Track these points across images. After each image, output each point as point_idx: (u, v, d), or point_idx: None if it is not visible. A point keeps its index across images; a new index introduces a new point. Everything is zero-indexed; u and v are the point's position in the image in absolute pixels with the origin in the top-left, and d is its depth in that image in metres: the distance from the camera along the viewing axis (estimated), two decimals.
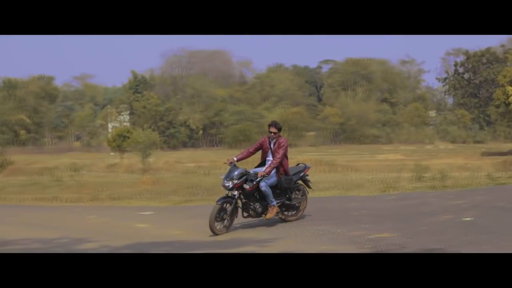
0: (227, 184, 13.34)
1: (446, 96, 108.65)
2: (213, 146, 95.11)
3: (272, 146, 13.65)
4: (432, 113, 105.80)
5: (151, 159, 43.11)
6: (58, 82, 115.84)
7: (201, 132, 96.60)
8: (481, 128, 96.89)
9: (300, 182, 14.60)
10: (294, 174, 14.25)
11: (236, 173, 13.35)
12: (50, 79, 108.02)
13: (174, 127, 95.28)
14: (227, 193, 13.44)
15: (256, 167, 13.93)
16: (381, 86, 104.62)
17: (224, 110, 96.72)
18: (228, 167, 13.76)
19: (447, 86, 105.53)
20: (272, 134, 13.65)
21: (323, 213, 15.72)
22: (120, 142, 51.84)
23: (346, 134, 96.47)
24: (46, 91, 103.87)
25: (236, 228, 14.03)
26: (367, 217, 14.63)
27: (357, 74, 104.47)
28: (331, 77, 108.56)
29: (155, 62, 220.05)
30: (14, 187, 29.02)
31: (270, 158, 13.68)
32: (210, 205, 20.52)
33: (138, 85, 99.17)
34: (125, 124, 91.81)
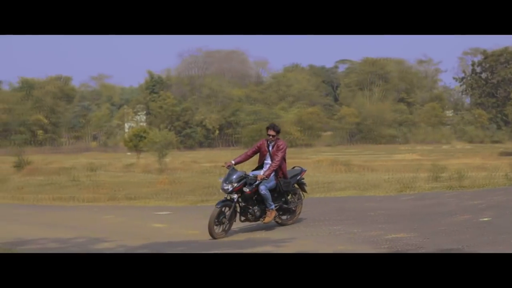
0: (226, 187, 12.98)
1: (463, 95, 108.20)
2: (230, 146, 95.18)
3: (270, 149, 13.28)
4: (449, 113, 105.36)
5: (167, 159, 43.20)
6: (75, 83, 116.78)
7: (217, 132, 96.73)
8: (499, 128, 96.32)
9: (295, 185, 14.19)
10: (291, 178, 13.91)
11: (235, 176, 13.00)
12: (68, 79, 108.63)
13: (190, 127, 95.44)
14: (226, 196, 13.11)
15: (253, 170, 13.62)
16: (398, 86, 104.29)
17: (240, 110, 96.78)
18: (227, 170, 13.40)
19: (464, 86, 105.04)
20: (271, 137, 13.22)
21: (340, 213, 15.68)
22: (136, 142, 51.99)
23: (363, 134, 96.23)
24: (64, 91, 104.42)
25: (251, 229, 14.02)
26: (384, 217, 14.58)
27: (374, 74, 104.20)
28: (348, 77, 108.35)
29: (171, 62, 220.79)
30: (32, 187, 29.17)
31: (268, 161, 13.31)
32: None
33: (155, 85, 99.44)
34: (141, 124, 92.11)
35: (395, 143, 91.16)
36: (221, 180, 13.24)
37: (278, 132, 13.28)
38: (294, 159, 42.14)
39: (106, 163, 44.58)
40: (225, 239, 13.04)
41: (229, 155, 57.26)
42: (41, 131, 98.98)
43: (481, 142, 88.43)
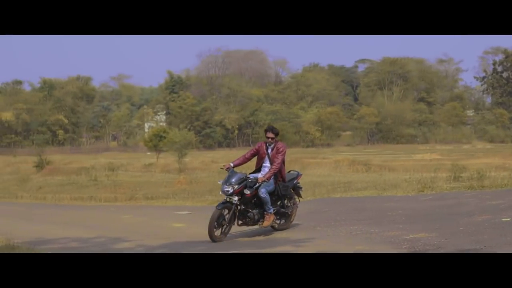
0: (226, 189, 12.50)
1: (484, 95, 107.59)
2: (249, 145, 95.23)
3: (269, 151, 12.85)
4: (470, 113, 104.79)
5: (187, 159, 43.31)
6: (95, 83, 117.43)
7: (236, 132, 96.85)
8: None
9: (291, 190, 13.70)
10: (288, 181, 13.48)
11: (235, 178, 12.58)
12: (88, 79, 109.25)
13: (209, 127, 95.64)
14: (225, 198, 12.65)
15: (251, 173, 13.07)
16: (418, 85, 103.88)
17: (259, 110, 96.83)
18: (226, 173, 12.97)
19: (485, 85, 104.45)
20: (270, 139, 12.77)
21: (358, 213, 15.64)
22: (156, 142, 52.15)
23: (382, 133, 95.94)
24: (84, 92, 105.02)
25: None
26: (403, 217, 14.52)
27: (393, 74, 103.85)
28: (367, 76, 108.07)
29: (191, 62, 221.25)
30: (52, 187, 29.37)
31: (267, 164, 12.91)
32: None
33: (174, 85, 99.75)
34: (161, 124, 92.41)
35: (415, 143, 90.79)
36: (221, 182, 12.77)
37: (277, 134, 12.85)
38: (313, 159, 42.07)
39: (125, 163, 44.79)
40: (245, 238, 13.04)
41: None
42: (61, 131, 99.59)
43: (502, 141, 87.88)
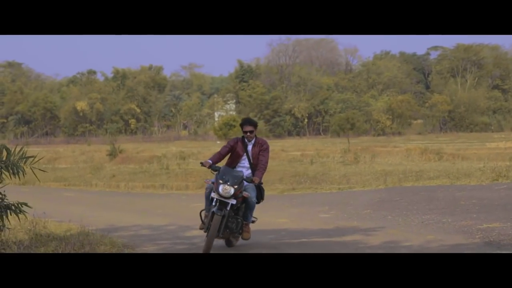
0: (227, 190, 9.84)
1: None
2: (318, 134, 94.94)
3: (249, 148, 10.45)
4: None
5: None
6: (166, 72, 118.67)
7: (306, 120, 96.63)
8: None
9: None
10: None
11: (234, 176, 10.01)
12: (159, 69, 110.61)
13: (279, 116, 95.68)
14: (215, 200, 9.98)
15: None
16: (493, 72, 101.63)
17: (329, 99, 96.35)
18: (205, 169, 10.81)
19: None
20: (248, 133, 10.39)
21: (430, 202, 15.42)
22: (226, 131, 52.50)
23: (455, 122, 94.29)
24: (155, 81, 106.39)
25: (340, 218, 13.92)
26: (477, 207, 14.24)
27: (467, 60, 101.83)
28: (440, 63, 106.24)
29: (261, 51, 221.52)
30: (124, 175, 29.85)
31: (244, 164, 10.45)
32: (316, 193, 20.54)
33: (244, 74, 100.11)
34: (231, 113, 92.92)
35: (489, 131, 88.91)
36: (210, 181, 10.35)
37: (256, 126, 10.52)
38: (384, 148, 41.65)
39: (196, 152, 45.19)
40: (314, 227, 12.99)
41: (317, 143, 57.14)
42: (133, 120, 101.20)
43: None
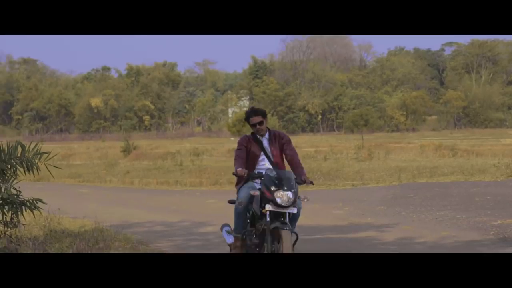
0: (287, 197, 7.52)
1: None
2: (332, 131, 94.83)
3: (267, 144, 8.13)
4: None
5: None
6: (180, 69, 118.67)
7: (320, 117, 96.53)
8: None
9: None
10: None
11: (290, 178, 7.71)
12: (173, 65, 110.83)
13: (293, 112, 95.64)
14: (268, 212, 7.59)
15: (241, 184, 8.12)
16: (508, 68, 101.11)
17: (343, 95, 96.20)
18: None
19: None
20: (257, 126, 8.04)
21: (444, 199, 15.37)
22: (240, 127, 52.51)
23: (469, 118, 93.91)
24: (169, 77, 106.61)
25: (354, 214, 13.90)
26: (491, 203, 14.19)
27: (482, 56, 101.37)
28: (454, 59, 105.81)
29: (275, 47, 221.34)
30: (138, 171, 29.92)
31: (264, 165, 8.06)
32: (329, 190, 20.51)
33: (258, 70, 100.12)
34: (245, 109, 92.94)
35: (504, 127, 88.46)
36: (256, 191, 7.77)
37: (265, 115, 8.18)
38: (398, 144, 41.53)
39: (209, 148, 45.24)
40: (328, 223, 12.98)
41: (331, 139, 57.02)
42: (147, 117, 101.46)
43: None
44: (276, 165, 8.03)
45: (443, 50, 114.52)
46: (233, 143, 54.24)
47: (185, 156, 37.04)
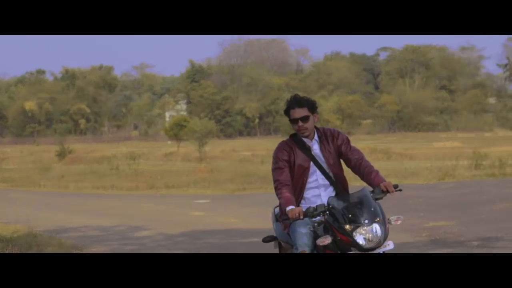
0: (374, 233, 5.38)
1: (506, 82, 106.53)
2: (269, 134, 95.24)
3: (317, 151, 5.75)
4: (492, 100, 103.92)
5: (207, 148, 43.39)
6: (117, 72, 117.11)
7: (257, 120, 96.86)
8: None
9: None
10: None
11: (368, 201, 5.53)
12: (110, 68, 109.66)
13: (230, 116, 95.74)
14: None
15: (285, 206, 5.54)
16: (440, 73, 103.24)
17: (280, 99, 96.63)
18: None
19: (507, 72, 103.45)
20: (299, 123, 5.66)
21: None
22: (177, 131, 52.24)
23: (403, 121, 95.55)
24: (106, 81, 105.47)
25: None
26: (424, 205, 14.50)
27: (415, 61, 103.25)
28: (389, 64, 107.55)
29: (212, 51, 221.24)
30: (73, 176, 29.56)
31: (318, 182, 5.76)
32: (266, 193, 20.61)
33: (196, 74, 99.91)
34: (182, 113, 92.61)
35: (436, 131, 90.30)
36: (326, 239, 5.34)
37: (313, 108, 5.74)
38: None
39: (146, 152, 45.00)
40: (264, 226, 13.04)
41: (268, 143, 57.27)
42: (83, 120, 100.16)
43: None
44: (336, 178, 5.75)
45: (378, 55, 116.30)
46: (170, 147, 54.01)
47: (121, 160, 36.75)
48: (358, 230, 5.24)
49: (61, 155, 40.26)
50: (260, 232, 12.35)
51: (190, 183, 24.98)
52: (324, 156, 5.70)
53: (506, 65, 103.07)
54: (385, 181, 5.59)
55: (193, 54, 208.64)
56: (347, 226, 5.22)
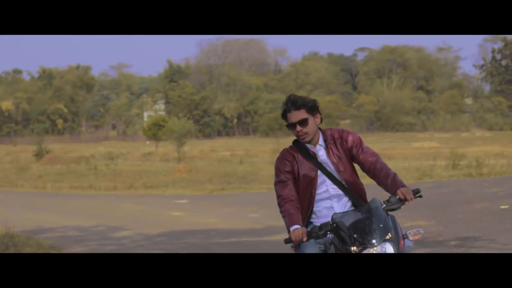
0: (390, 251, 4.57)
1: (483, 83, 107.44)
2: (248, 134, 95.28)
3: (324, 157, 5.06)
4: (469, 100, 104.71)
5: (186, 148, 43.32)
6: (95, 72, 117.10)
7: (235, 120, 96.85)
8: None
9: None
10: None
11: (378, 214, 4.65)
12: (87, 68, 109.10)
13: (208, 116, 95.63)
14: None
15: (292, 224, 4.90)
16: (417, 74, 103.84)
17: (258, 99, 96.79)
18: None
19: (484, 73, 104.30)
20: (297, 127, 5.01)
21: None
22: (155, 131, 52.06)
23: (381, 122, 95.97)
24: (83, 81, 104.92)
25: (269, 217, 14.03)
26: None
27: (392, 62, 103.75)
28: (367, 65, 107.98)
29: (191, 51, 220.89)
30: (51, 176, 29.38)
31: (329, 192, 5.02)
32: (245, 193, 20.64)
33: (174, 74, 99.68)
34: (160, 113, 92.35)
35: (414, 131, 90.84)
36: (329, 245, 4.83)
37: (312, 109, 5.05)
38: None
39: (125, 152, 44.82)
40: (243, 226, 13.05)
41: (247, 143, 57.28)
42: (60, 120, 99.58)
43: (501, 129, 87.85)
44: (350, 186, 5.01)
45: (355, 55, 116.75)
46: (148, 147, 53.85)
47: (99, 160, 36.60)
48: (366, 250, 4.42)
49: (39, 155, 40.01)
50: (239, 232, 12.38)
51: (169, 183, 24.94)
52: (332, 163, 4.99)
53: (482, 65, 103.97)
54: (403, 186, 4.72)
55: (171, 54, 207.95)
56: (354, 248, 4.43)
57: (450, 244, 9.89)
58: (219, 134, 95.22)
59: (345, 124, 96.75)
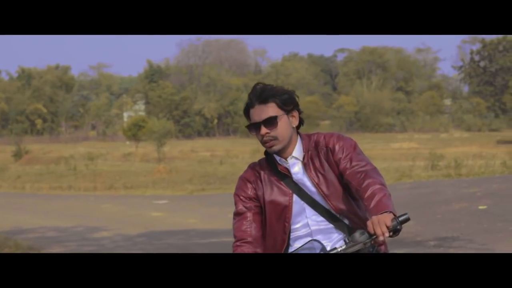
0: None
1: (461, 84, 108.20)
2: (228, 135, 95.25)
3: (304, 179, 3.32)
4: (447, 101, 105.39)
5: (166, 148, 43.26)
6: (74, 72, 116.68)
7: (216, 121, 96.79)
8: (497, 116, 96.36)
9: None
10: None
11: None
12: (66, 68, 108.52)
13: (189, 116, 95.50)
14: None
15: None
16: (397, 75, 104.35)
17: (239, 99, 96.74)
18: None
19: (462, 74, 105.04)
20: (262, 128, 3.31)
21: None
22: (135, 131, 51.89)
23: (361, 122, 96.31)
24: (62, 81, 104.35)
25: None
26: None
27: (372, 63, 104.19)
28: (346, 65, 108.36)
29: (171, 52, 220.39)
30: (30, 176, 29.23)
31: (310, 221, 3.32)
32: (225, 194, 20.64)
33: (154, 74, 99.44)
34: (140, 113, 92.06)
35: (393, 132, 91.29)
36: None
37: (285, 104, 3.42)
38: None
39: (104, 152, 44.64)
40: (222, 227, 13.06)
41: (227, 144, 57.28)
42: (39, 120, 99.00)
43: (479, 130, 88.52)
44: (343, 216, 3.35)
45: (335, 56, 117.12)
46: (128, 147, 53.68)
47: (79, 160, 36.44)
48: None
49: (17, 155, 39.77)
50: (219, 232, 12.39)
51: (148, 183, 24.89)
52: (313, 183, 3.31)
53: (461, 67, 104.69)
54: (387, 211, 3.12)
55: (151, 54, 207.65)
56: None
57: (429, 244, 9.96)
58: (199, 134, 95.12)
59: (324, 125, 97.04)
